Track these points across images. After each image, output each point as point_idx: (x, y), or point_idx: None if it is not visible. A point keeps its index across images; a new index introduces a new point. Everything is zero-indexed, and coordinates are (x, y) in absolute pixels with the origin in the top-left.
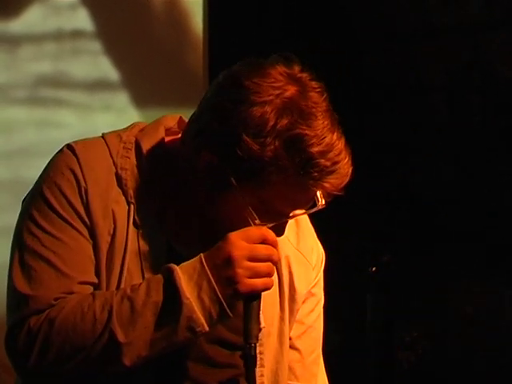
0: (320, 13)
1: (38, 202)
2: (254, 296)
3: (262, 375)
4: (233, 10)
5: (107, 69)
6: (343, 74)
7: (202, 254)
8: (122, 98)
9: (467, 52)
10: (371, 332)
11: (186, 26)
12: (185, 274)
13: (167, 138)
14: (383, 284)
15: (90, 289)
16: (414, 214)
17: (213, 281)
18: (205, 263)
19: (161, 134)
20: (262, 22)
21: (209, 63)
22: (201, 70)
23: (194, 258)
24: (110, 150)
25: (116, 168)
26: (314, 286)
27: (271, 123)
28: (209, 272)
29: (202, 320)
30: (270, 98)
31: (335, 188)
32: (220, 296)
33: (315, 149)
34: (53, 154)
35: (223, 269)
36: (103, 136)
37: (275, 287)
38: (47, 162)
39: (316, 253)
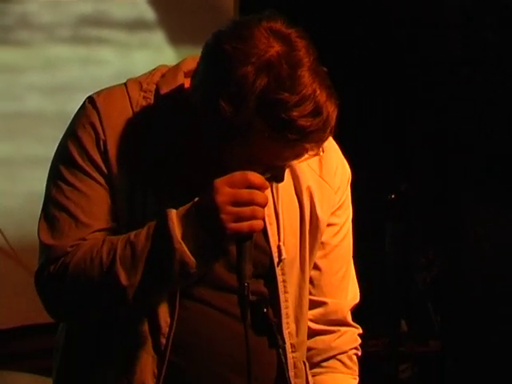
0: None
1: (62, 154)
2: (245, 238)
3: (286, 301)
4: None
5: (145, 9)
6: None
7: (194, 200)
8: (158, 37)
9: None
10: (390, 255)
11: None
12: (179, 220)
13: (187, 82)
14: (401, 210)
15: (107, 234)
16: (430, 143)
17: (201, 227)
18: (195, 210)
19: (180, 79)
20: None
21: (240, 3)
22: (232, 10)
23: (189, 204)
24: (130, 100)
25: (135, 118)
26: (338, 209)
27: (249, 85)
28: (198, 218)
29: (194, 263)
30: (251, 59)
31: (317, 144)
32: (209, 241)
33: (293, 113)
34: (94, 90)
35: (209, 215)
36: (126, 84)
37: (296, 218)
38: (93, 94)
39: (340, 174)
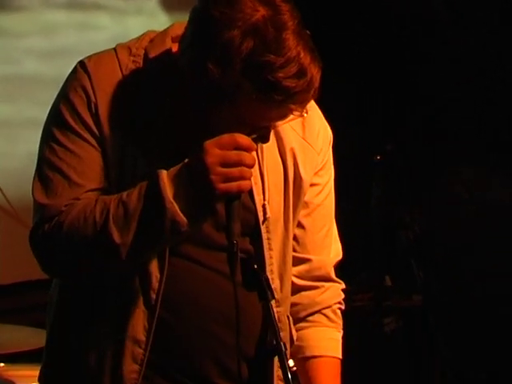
0: None
1: (55, 117)
2: (233, 197)
3: (271, 257)
4: None
5: None
6: None
7: (184, 161)
8: (152, 3)
9: None
10: (375, 214)
11: None
12: (170, 180)
13: (174, 47)
14: (387, 171)
15: (99, 194)
16: (417, 105)
17: (192, 187)
18: (185, 170)
19: (167, 44)
20: None
21: None
22: None
23: (179, 165)
24: (120, 64)
25: (124, 81)
26: (320, 169)
27: (235, 48)
28: (189, 179)
29: (185, 222)
30: (237, 23)
31: (301, 105)
32: (199, 200)
33: (278, 74)
34: (91, 53)
35: (199, 175)
36: (115, 49)
37: (280, 178)
38: (84, 58)
39: (322, 136)
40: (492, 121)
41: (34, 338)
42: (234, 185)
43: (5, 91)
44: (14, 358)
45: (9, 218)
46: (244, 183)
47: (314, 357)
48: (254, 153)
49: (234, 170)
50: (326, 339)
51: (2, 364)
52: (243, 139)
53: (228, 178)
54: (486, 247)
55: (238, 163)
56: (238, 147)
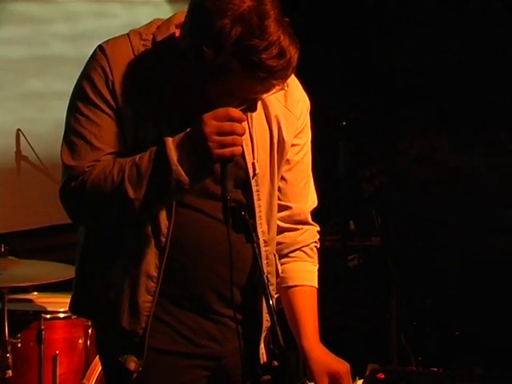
0: None
1: (78, 92)
2: (227, 160)
3: (259, 206)
4: None
5: None
6: None
7: (186, 131)
8: None
9: None
10: (342, 169)
11: None
12: (175, 146)
13: (177, 32)
14: (351, 134)
15: (116, 156)
16: (377, 80)
17: (193, 152)
18: (187, 138)
19: (171, 29)
20: None
21: None
22: None
23: (182, 133)
24: (132, 47)
25: (136, 61)
26: (300, 132)
27: (226, 34)
28: (190, 145)
29: (187, 181)
30: (227, 13)
31: (282, 80)
32: (199, 163)
33: (262, 55)
34: (106, 38)
35: (199, 142)
36: (128, 34)
37: (267, 140)
38: (102, 42)
39: (301, 104)
40: (439, 97)
41: (61, 271)
42: (227, 150)
43: (35, 68)
44: (44, 288)
45: (40, 174)
46: (236, 149)
47: (296, 286)
48: (245, 122)
49: (228, 138)
50: (304, 271)
51: (36, 293)
52: (235, 112)
53: (223, 145)
54: (431, 199)
55: (231, 132)
56: (231, 119)
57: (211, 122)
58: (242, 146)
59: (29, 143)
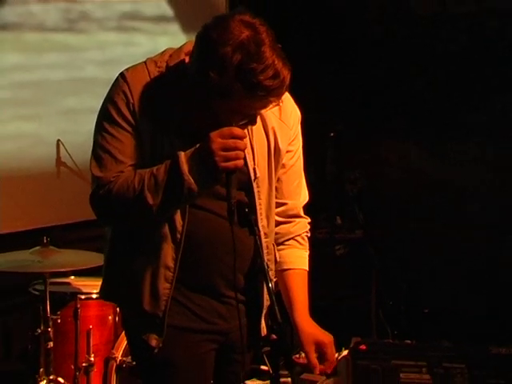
0: None
1: (104, 113)
2: (231, 172)
3: (260, 204)
4: None
5: (166, 7)
6: None
7: (196, 146)
8: (175, 27)
9: None
10: (330, 172)
11: None
12: (186, 159)
13: (187, 59)
14: (338, 143)
15: (136, 168)
16: (360, 97)
17: (202, 165)
18: (197, 153)
19: (182, 56)
20: None
21: (229, 2)
22: (224, 7)
23: (192, 149)
24: (149, 73)
25: (152, 85)
26: (293, 140)
27: (228, 60)
28: (200, 159)
29: (197, 189)
30: (229, 42)
31: (277, 97)
32: (207, 174)
33: (260, 77)
34: (132, 63)
35: (207, 157)
36: (145, 62)
37: (265, 149)
38: (124, 70)
39: (293, 115)
40: (413, 112)
41: (94, 259)
42: (231, 163)
43: (72, 89)
44: (80, 273)
45: (76, 176)
46: (239, 162)
47: (289, 269)
48: (247, 138)
49: (232, 153)
50: (297, 256)
51: (73, 277)
52: (237, 131)
53: (227, 159)
54: (407, 198)
55: (235, 148)
56: (234, 136)
57: (217, 139)
58: (244, 155)
59: (67, 151)
